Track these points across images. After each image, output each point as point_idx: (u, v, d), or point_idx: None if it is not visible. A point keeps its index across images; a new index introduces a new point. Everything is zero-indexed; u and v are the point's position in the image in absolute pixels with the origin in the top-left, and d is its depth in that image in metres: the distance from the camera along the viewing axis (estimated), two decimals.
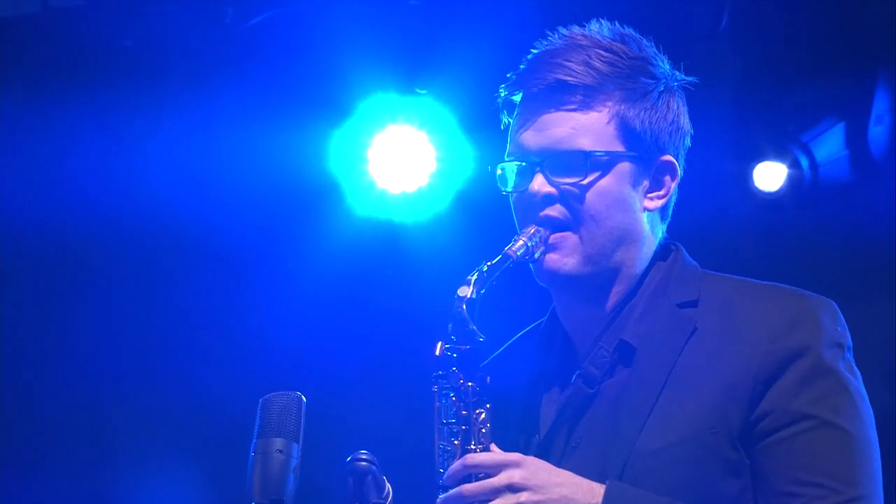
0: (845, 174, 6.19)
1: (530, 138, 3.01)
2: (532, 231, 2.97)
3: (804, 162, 6.30)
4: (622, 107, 2.98)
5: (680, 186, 3.11)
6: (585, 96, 2.97)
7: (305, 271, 6.35)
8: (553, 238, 2.97)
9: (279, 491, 2.74)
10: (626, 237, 2.99)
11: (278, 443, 2.78)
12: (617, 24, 3.09)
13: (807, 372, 2.80)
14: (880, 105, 6.00)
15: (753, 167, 6.28)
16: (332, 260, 6.33)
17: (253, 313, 6.43)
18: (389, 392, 6.48)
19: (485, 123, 6.16)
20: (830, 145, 6.25)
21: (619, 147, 2.98)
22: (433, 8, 6.03)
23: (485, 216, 6.26)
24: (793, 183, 6.30)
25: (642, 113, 2.99)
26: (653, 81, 3.02)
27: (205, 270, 6.44)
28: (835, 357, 2.84)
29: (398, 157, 6.30)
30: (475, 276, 2.93)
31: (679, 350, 2.89)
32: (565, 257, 2.97)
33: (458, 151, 6.26)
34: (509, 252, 2.95)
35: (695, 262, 3.07)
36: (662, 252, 3.07)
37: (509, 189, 3.06)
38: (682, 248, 3.09)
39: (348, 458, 2.97)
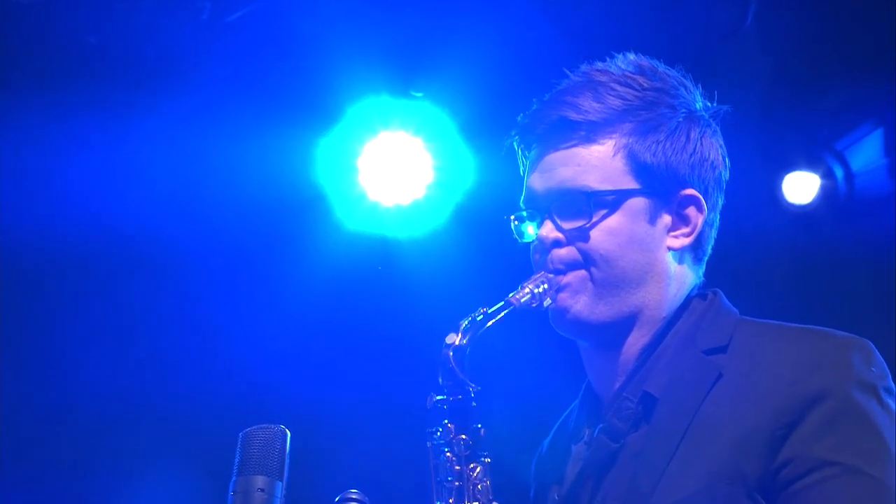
0: (883, 185, 6.22)
1: (537, 181, 3.11)
2: (540, 278, 3.05)
3: (839, 172, 6.33)
4: (630, 139, 3.03)
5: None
6: (589, 131, 3.04)
7: (290, 291, 6.37)
8: (563, 279, 3.04)
9: None
10: (646, 277, 3.04)
11: (260, 481, 2.80)
12: (641, 55, 3.15)
13: (830, 415, 2.79)
14: None
15: (783, 178, 6.31)
16: (319, 279, 6.34)
17: (232, 337, 6.44)
18: (381, 423, 6.49)
19: (486, 129, 6.24)
20: (867, 153, 6.28)
21: (629, 183, 3.03)
22: (430, 1, 6.05)
23: (486, 231, 6.28)
24: (826, 195, 6.33)
25: (654, 145, 3.04)
26: (669, 111, 3.07)
27: (176, 291, 6.44)
28: (866, 399, 2.82)
29: (391, 167, 6.33)
30: (466, 323, 3.00)
31: (702, 398, 2.92)
32: (575, 296, 3.04)
33: (458, 160, 6.28)
34: (512, 299, 3.03)
35: (733, 309, 3.09)
36: (697, 297, 3.10)
37: (523, 240, 3.17)
38: (721, 294, 3.12)
39: (337, 499, 2.98)
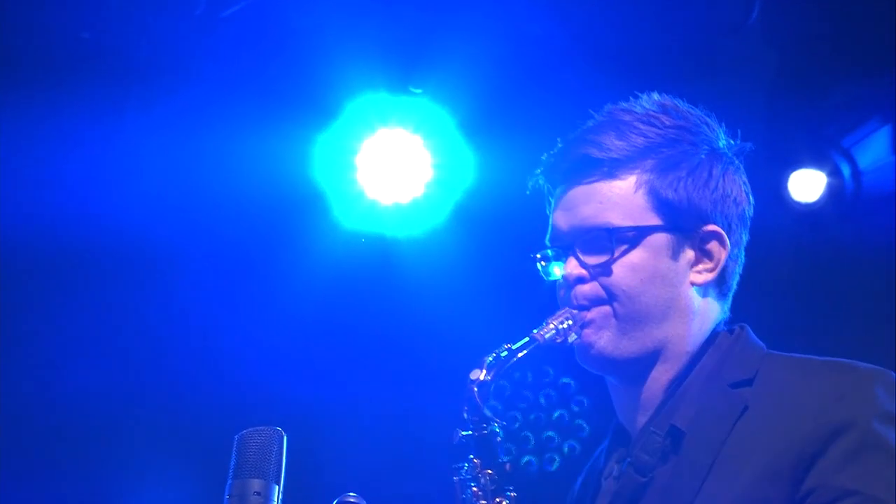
0: (891, 183, 6.21)
1: (561, 219, 3.21)
2: (565, 314, 3.14)
3: (845, 170, 6.33)
4: (651, 176, 3.12)
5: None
6: (611, 168, 3.14)
7: (288, 290, 6.37)
8: (588, 315, 3.13)
9: None
10: (670, 312, 3.12)
11: (256, 484, 2.80)
12: (665, 95, 3.24)
13: (853, 446, 2.86)
14: None
15: (789, 175, 6.31)
16: (317, 278, 6.34)
17: (228, 337, 6.44)
18: (380, 425, 6.50)
19: (487, 127, 6.24)
20: (875, 151, 6.27)
21: (651, 219, 3.12)
22: None
23: (486, 230, 6.31)
24: (833, 193, 6.33)
25: (676, 182, 3.13)
26: (691, 148, 3.16)
27: (171, 290, 6.44)
28: (887, 430, 2.89)
29: (390, 165, 6.32)
30: (491, 359, 3.07)
31: (728, 430, 3.00)
32: (600, 331, 3.12)
33: (457, 158, 6.28)
34: (536, 336, 3.11)
35: (760, 343, 3.17)
36: (723, 332, 3.17)
37: (549, 279, 3.24)
38: (748, 328, 3.19)
39: (335, 502, 2.98)
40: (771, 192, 6.22)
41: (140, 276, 6.41)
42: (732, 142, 3.23)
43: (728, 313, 3.21)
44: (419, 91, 6.20)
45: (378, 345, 6.53)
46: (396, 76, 6.17)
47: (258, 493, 2.79)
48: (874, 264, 6.12)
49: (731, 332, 3.17)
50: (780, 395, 2.97)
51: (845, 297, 6.20)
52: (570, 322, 3.12)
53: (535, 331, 3.11)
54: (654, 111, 3.19)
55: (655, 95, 3.23)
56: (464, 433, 3.06)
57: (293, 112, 6.17)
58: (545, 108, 6.07)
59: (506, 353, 3.08)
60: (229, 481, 2.82)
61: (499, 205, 6.13)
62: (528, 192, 3.31)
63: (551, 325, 3.11)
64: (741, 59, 5.91)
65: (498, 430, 3.06)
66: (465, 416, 3.06)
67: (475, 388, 3.04)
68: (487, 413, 3.04)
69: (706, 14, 5.84)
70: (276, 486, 2.82)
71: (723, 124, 3.25)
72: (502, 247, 6.15)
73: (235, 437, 2.88)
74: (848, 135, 6.31)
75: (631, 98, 3.24)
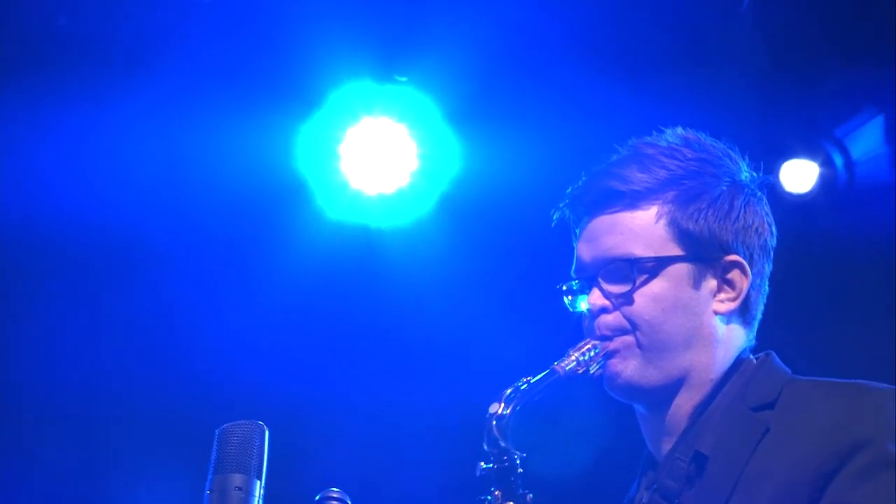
0: (885, 173, 6.22)
1: (584, 250, 3.29)
2: (587, 346, 3.22)
3: (838, 160, 6.34)
4: (672, 207, 3.21)
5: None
6: (633, 199, 3.23)
7: (270, 282, 6.36)
8: (611, 345, 3.21)
9: None
10: (693, 341, 3.20)
11: (237, 479, 2.80)
12: (689, 129, 3.32)
13: (867, 465, 2.93)
14: None
15: (780, 166, 6.32)
16: (300, 270, 6.33)
17: (209, 330, 6.42)
18: (364, 419, 6.49)
19: (473, 116, 6.24)
20: (868, 141, 6.28)
21: (673, 249, 3.21)
22: None
23: (472, 221, 6.30)
24: (825, 183, 6.34)
25: (697, 213, 3.21)
26: (712, 180, 3.24)
27: (152, 283, 6.43)
28: None
29: (374, 154, 6.32)
30: (510, 391, 3.15)
31: (749, 454, 3.07)
32: (625, 360, 3.20)
33: (443, 147, 6.27)
34: (557, 368, 3.18)
35: (785, 368, 3.24)
36: (748, 359, 3.25)
37: (574, 310, 3.31)
38: (773, 355, 3.26)
39: (318, 497, 2.98)
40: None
41: (119, 268, 6.39)
42: (755, 174, 3.32)
43: (754, 341, 3.29)
44: (404, 79, 6.19)
45: (362, 338, 6.52)
46: (381, 64, 6.16)
47: (239, 488, 2.79)
48: (867, 256, 6.14)
49: (756, 358, 3.25)
50: (800, 417, 3.05)
51: (837, 289, 6.21)
52: (593, 353, 3.20)
53: (556, 363, 3.19)
54: (676, 144, 3.28)
55: (679, 130, 3.31)
56: (485, 465, 3.13)
57: (276, 100, 6.16)
58: (532, 97, 6.08)
59: (525, 385, 3.15)
60: (210, 476, 2.82)
61: (485, 195, 6.14)
62: (553, 225, 3.37)
63: (573, 357, 3.19)
64: (733, 48, 5.91)
65: (518, 462, 3.13)
66: (486, 448, 3.13)
67: (494, 423, 3.11)
68: (507, 446, 3.11)
69: (697, 2, 5.84)
70: (258, 481, 2.82)
71: (741, 154, 3.33)
72: (488, 238, 6.16)
73: (216, 431, 2.87)
74: (841, 124, 6.32)
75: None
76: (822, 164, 6.34)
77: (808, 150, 6.35)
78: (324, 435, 6.48)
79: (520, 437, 3.12)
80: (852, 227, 6.22)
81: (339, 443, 6.46)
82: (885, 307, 6.07)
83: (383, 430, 6.48)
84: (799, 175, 6.33)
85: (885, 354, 5.34)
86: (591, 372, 3.20)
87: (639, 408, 3.29)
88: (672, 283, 3.19)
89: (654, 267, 3.19)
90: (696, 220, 3.20)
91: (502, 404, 3.13)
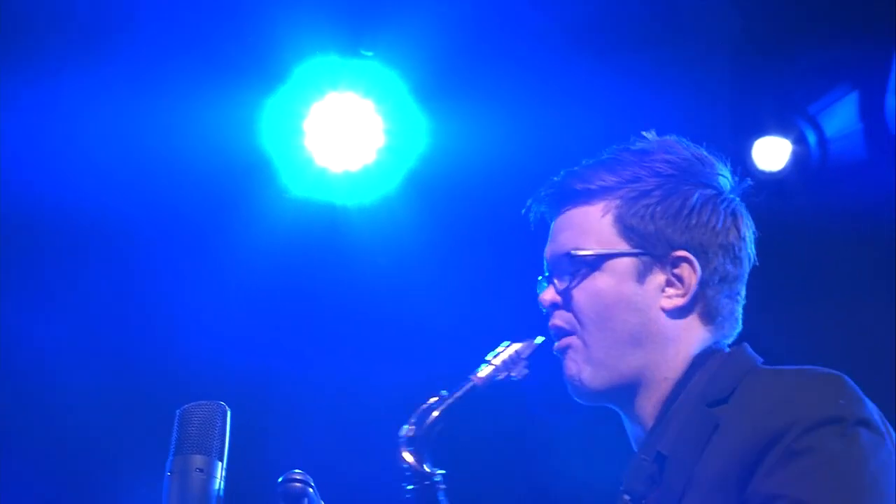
0: (859, 151, 6.25)
1: (546, 248, 3.32)
2: (502, 349, 3.26)
3: (811, 137, 6.36)
4: (620, 203, 3.23)
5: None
6: (587, 197, 3.25)
7: (232, 261, 6.35)
8: (560, 344, 3.24)
9: None
10: (642, 339, 3.20)
11: (198, 460, 2.80)
12: (676, 136, 3.34)
13: (788, 451, 2.90)
14: None
15: (753, 143, 6.33)
16: (263, 248, 6.33)
17: (170, 309, 6.41)
18: (327, 399, 6.50)
19: (440, 91, 6.23)
20: (842, 118, 6.31)
21: (616, 244, 3.22)
22: None
23: (439, 198, 6.31)
24: (798, 161, 6.36)
25: (644, 209, 3.22)
26: (673, 181, 3.25)
27: (111, 261, 6.41)
28: (828, 433, 2.91)
29: (340, 130, 6.31)
30: (422, 408, 3.20)
31: (700, 452, 3.06)
32: (577, 364, 3.22)
33: (410, 123, 6.27)
34: (473, 378, 3.23)
35: (755, 359, 3.22)
36: (714, 354, 3.24)
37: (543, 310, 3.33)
38: (745, 346, 3.26)
39: (280, 479, 2.98)
40: (734, 160, 6.22)
41: (77, 246, 6.37)
42: (732, 180, 3.35)
43: (731, 338, 3.27)
44: (370, 54, 6.19)
45: (327, 317, 6.53)
46: (347, 38, 6.15)
47: (200, 470, 2.79)
48: (840, 235, 6.17)
49: (722, 354, 3.24)
50: (745, 408, 3.03)
51: (811, 267, 6.24)
52: (512, 353, 3.24)
53: (472, 374, 3.22)
54: (652, 149, 3.29)
55: (669, 137, 3.33)
56: (409, 487, 3.15)
57: (239, 75, 6.14)
58: (500, 73, 6.08)
59: (437, 400, 3.18)
60: (170, 457, 2.81)
61: (452, 172, 6.13)
62: (532, 229, 3.39)
63: (492, 363, 3.23)
64: (705, 24, 5.91)
65: (439, 480, 3.15)
66: (406, 473, 3.15)
67: (403, 447, 3.15)
68: (423, 468, 3.14)
69: None
70: (220, 463, 2.82)
71: (728, 164, 3.37)
72: (455, 215, 6.17)
73: (177, 411, 2.87)
74: (814, 101, 6.34)
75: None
76: (795, 142, 6.36)
77: (781, 128, 6.37)
78: (287, 416, 6.49)
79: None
80: (826, 206, 6.25)
81: (303, 424, 6.47)
82: (858, 285, 6.11)
83: (347, 411, 6.49)
84: (771, 153, 6.35)
85: (859, 332, 5.36)
86: (514, 376, 3.22)
87: (615, 409, 3.30)
88: (615, 279, 3.20)
89: (596, 261, 3.20)
90: (643, 216, 3.21)
91: (413, 426, 3.15)
